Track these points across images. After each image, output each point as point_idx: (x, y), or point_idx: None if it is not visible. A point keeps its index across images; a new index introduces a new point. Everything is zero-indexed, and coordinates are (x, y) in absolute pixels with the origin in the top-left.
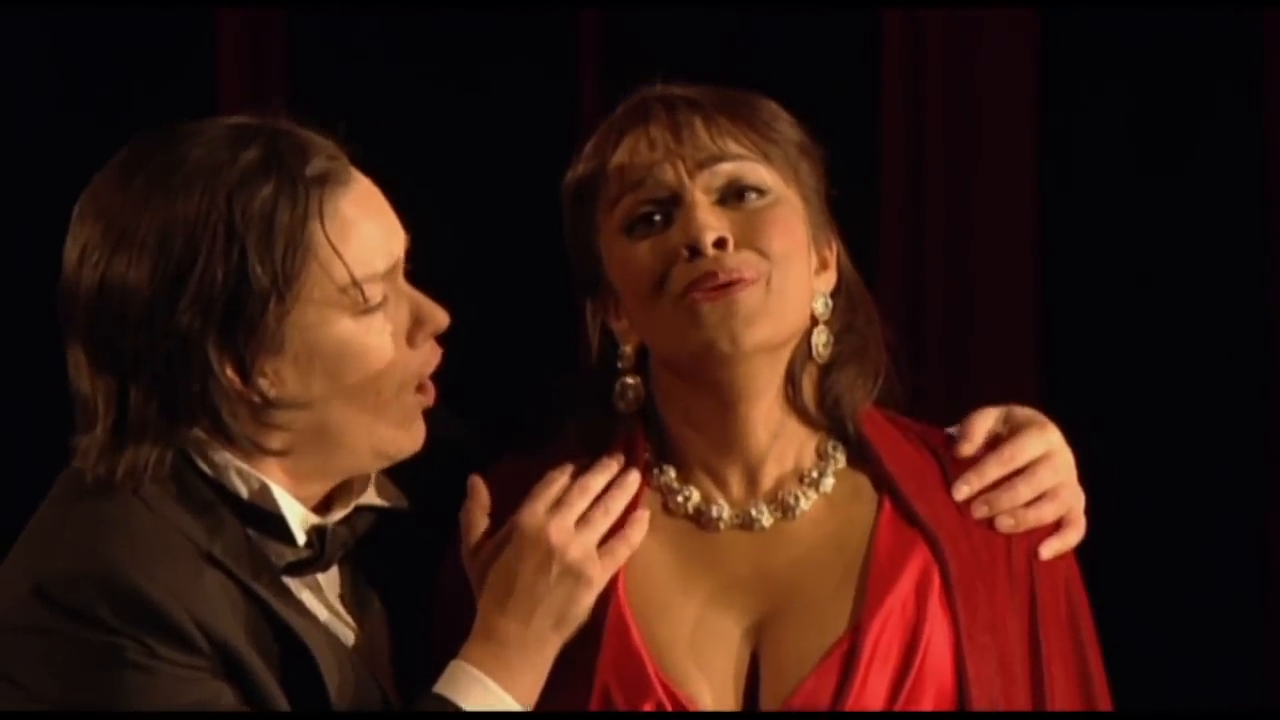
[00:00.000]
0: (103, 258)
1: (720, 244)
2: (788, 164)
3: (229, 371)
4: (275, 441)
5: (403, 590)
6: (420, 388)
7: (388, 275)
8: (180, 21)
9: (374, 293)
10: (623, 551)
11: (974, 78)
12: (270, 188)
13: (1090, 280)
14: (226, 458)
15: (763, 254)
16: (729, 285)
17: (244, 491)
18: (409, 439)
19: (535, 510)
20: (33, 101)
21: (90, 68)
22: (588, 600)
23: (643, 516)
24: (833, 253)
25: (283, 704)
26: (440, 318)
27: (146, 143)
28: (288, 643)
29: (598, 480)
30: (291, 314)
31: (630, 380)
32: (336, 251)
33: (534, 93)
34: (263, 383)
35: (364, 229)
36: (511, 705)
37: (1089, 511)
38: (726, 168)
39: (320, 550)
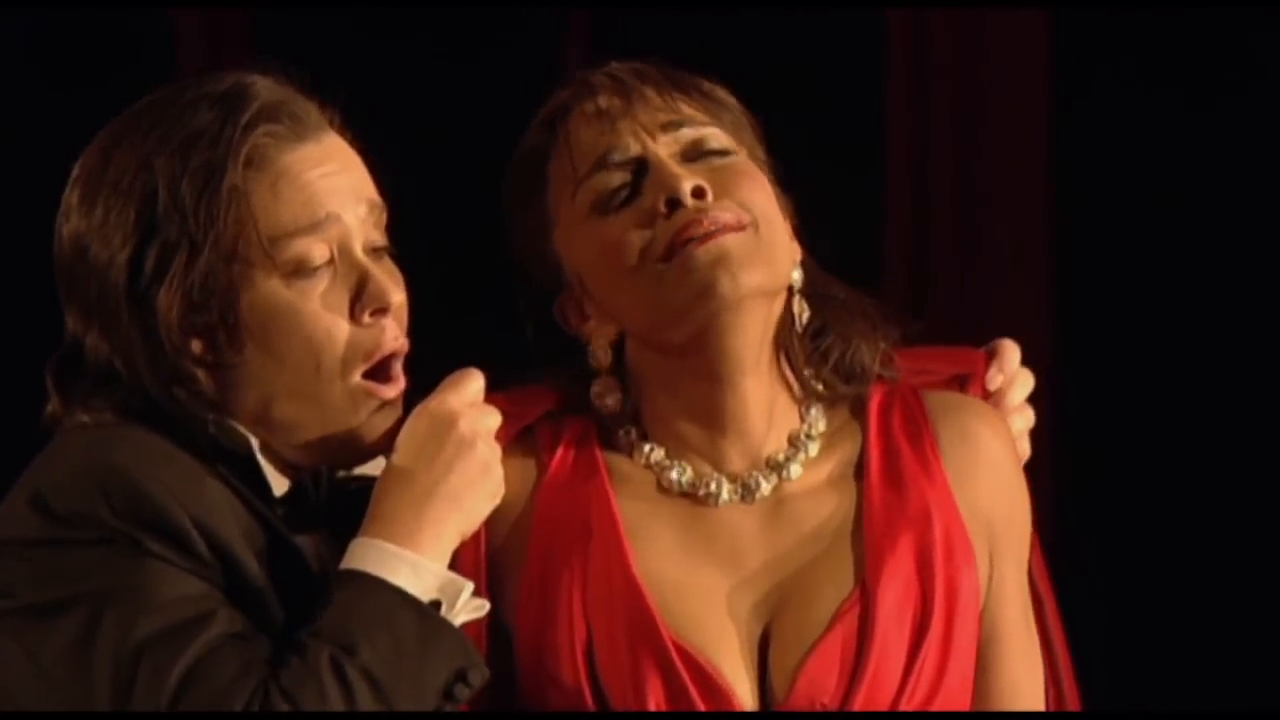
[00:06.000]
0: (67, 191)
1: (699, 193)
2: (738, 130)
3: (168, 323)
4: (243, 418)
5: None
6: (374, 373)
7: (338, 240)
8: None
9: (308, 252)
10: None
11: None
12: (197, 124)
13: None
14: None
15: (744, 205)
16: (717, 233)
17: (222, 439)
18: (365, 432)
19: (447, 400)
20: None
21: (49, 64)
22: (491, 492)
23: None
24: (790, 227)
25: (278, 619)
26: (385, 294)
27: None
28: (289, 560)
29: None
30: (211, 266)
31: (609, 380)
32: (257, 201)
33: (512, 103)
34: (196, 344)
35: (304, 183)
36: (430, 566)
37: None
38: (687, 132)
39: (311, 499)
